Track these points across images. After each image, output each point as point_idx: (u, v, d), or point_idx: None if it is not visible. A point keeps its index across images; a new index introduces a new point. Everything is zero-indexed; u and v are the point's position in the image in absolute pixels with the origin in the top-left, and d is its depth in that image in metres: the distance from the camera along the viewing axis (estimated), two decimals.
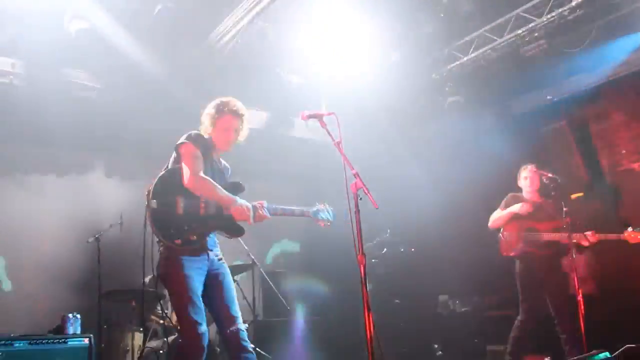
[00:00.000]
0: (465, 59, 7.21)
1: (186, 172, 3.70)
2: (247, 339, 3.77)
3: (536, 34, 6.47)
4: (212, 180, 3.76)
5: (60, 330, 5.66)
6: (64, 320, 5.45)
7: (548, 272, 5.69)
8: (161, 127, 6.03)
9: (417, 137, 8.46)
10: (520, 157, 6.68)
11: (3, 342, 4.66)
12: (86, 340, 5.03)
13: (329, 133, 3.51)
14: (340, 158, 3.42)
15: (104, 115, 6.91)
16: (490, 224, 5.97)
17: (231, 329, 3.73)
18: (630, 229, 5.31)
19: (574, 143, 7.27)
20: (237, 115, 4.01)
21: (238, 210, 3.75)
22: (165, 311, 6.21)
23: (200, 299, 3.67)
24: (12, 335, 4.82)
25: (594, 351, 3.41)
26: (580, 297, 4.91)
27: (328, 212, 4.23)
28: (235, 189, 3.94)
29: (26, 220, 7.32)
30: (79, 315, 5.38)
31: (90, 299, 6.54)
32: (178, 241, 3.63)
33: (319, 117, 3.57)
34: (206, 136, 3.98)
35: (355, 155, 3.51)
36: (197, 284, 3.68)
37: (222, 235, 3.95)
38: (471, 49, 7.12)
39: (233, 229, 3.89)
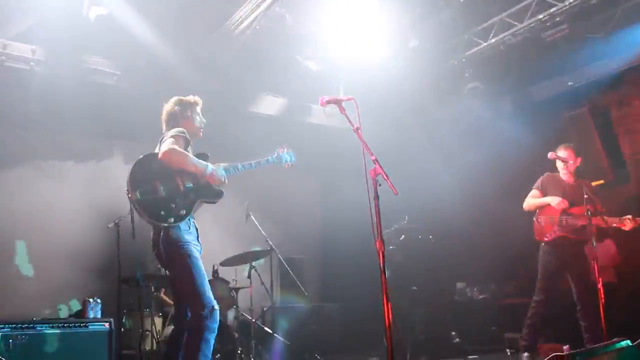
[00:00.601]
0: (485, 44, 7.10)
1: (163, 148, 3.85)
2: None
3: (557, 19, 6.35)
4: (183, 151, 3.88)
5: (81, 314, 5.74)
6: (85, 304, 5.53)
7: (574, 257, 5.61)
8: None
9: (435, 123, 8.39)
10: (540, 144, 6.61)
11: (26, 325, 4.73)
12: (106, 325, 5.08)
13: (348, 119, 3.49)
14: (358, 144, 3.41)
15: (123, 101, 6.94)
16: (525, 206, 5.84)
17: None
18: None
19: (595, 130, 7.17)
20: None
21: (212, 176, 3.95)
22: (155, 292, 6.29)
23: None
24: (34, 319, 4.89)
25: (615, 339, 3.37)
26: (600, 285, 4.88)
27: (289, 154, 4.52)
28: (203, 158, 4.07)
29: (46, 206, 7.40)
30: (99, 300, 5.45)
31: (110, 284, 6.62)
32: (171, 220, 3.79)
33: (338, 102, 3.55)
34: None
35: (373, 141, 3.48)
36: (200, 262, 3.89)
37: (206, 202, 4.09)
38: (491, 35, 7.02)
39: (213, 194, 4.08)
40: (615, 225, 5.39)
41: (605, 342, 3.53)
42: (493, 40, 6.98)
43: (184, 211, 3.87)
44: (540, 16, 6.41)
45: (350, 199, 6.20)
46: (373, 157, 3.35)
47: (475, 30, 7.16)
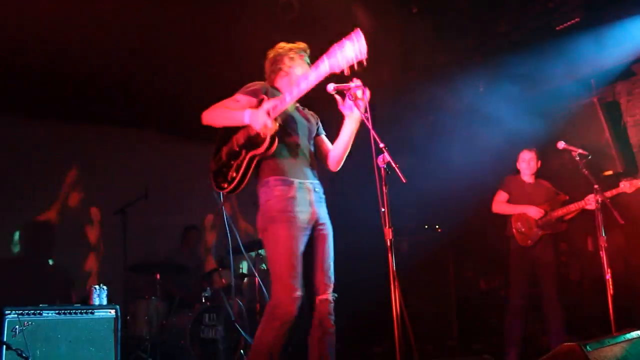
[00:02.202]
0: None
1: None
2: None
3: (569, 7, 6.28)
4: (217, 104, 3.50)
5: (86, 301, 5.75)
6: (91, 291, 5.54)
7: (542, 250, 5.73)
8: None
9: (444, 112, 8.32)
10: (548, 134, 6.55)
11: (32, 311, 4.75)
12: (112, 312, 5.09)
13: (357, 106, 3.45)
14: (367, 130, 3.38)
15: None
16: (495, 209, 6.10)
17: (322, 297, 3.52)
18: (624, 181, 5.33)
19: (604, 119, 7.11)
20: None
21: (253, 119, 3.29)
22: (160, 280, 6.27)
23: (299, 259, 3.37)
24: (40, 305, 4.90)
25: (625, 329, 3.35)
26: (609, 277, 4.84)
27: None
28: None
29: None
30: (105, 287, 5.46)
31: (117, 271, 6.65)
32: (224, 184, 3.49)
33: (346, 89, 3.49)
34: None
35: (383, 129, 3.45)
36: (297, 243, 3.37)
37: (260, 157, 3.43)
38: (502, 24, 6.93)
39: (259, 144, 3.36)
40: (580, 206, 5.55)
41: (615, 333, 3.51)
42: (502, 29, 6.90)
43: (235, 173, 3.43)
44: (551, 4, 6.33)
45: (358, 186, 6.19)
46: (382, 145, 3.31)
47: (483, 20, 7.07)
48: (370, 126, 3.36)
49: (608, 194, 5.36)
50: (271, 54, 3.78)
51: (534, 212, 5.78)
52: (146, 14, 5.56)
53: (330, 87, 3.49)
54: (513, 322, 5.75)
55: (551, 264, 5.70)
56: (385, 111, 7.15)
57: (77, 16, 5.44)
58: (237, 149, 3.48)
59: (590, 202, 5.42)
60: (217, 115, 3.47)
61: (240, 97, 3.53)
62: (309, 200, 3.51)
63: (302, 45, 3.78)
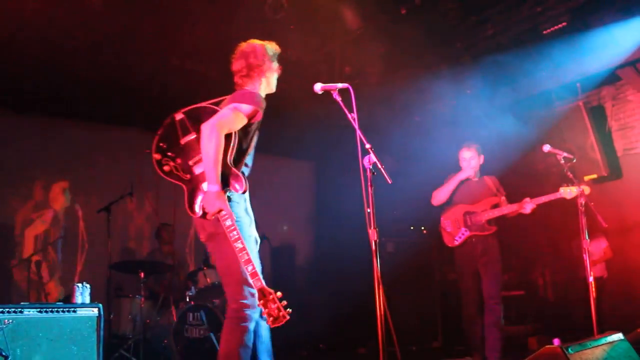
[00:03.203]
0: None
1: (218, 115, 3.27)
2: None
3: (555, 11, 6.31)
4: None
5: (69, 299, 5.69)
6: (73, 289, 5.48)
7: (483, 254, 5.55)
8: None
9: (428, 115, 8.35)
10: (533, 136, 6.59)
11: (13, 309, 4.69)
12: (95, 310, 5.04)
13: (342, 107, 3.45)
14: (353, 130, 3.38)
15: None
16: (435, 202, 5.87)
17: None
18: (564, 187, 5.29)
19: (589, 124, 7.17)
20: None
21: (208, 201, 3.16)
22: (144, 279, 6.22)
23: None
24: (21, 303, 4.84)
25: (607, 332, 3.38)
26: (591, 280, 4.87)
27: None
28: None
29: None
30: (88, 285, 5.40)
31: (100, 269, 6.60)
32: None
33: (333, 90, 3.49)
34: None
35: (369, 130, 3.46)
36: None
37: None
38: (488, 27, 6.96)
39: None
40: (515, 210, 5.46)
41: (598, 335, 3.54)
42: (490, 32, 6.92)
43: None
44: (538, 8, 6.36)
45: (344, 186, 6.19)
46: (368, 146, 3.32)
47: (471, 22, 7.09)
48: (356, 127, 3.37)
49: (544, 198, 5.39)
50: (258, 49, 3.58)
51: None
52: (130, 9, 5.53)
53: (317, 87, 3.49)
54: (470, 330, 5.58)
55: (495, 262, 5.51)
56: (372, 112, 7.16)
57: (62, 12, 5.39)
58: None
59: (527, 206, 5.41)
60: (215, 148, 3.18)
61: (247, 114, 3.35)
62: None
63: (278, 49, 3.68)
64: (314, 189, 9.65)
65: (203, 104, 3.49)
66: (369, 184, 3.27)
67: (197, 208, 3.29)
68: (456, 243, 5.65)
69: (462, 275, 5.72)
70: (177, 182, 3.38)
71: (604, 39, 6.52)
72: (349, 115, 3.41)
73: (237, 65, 3.59)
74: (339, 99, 3.45)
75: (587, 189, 5.19)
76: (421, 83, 7.34)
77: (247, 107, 3.33)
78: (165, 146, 3.40)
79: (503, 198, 5.65)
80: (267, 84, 3.62)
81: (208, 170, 3.16)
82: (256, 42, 3.64)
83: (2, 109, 7.06)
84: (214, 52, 6.05)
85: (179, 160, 3.38)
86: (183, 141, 3.40)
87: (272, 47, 3.64)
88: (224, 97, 3.55)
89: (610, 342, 3.26)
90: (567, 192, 5.25)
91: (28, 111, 7.20)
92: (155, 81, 6.80)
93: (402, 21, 6.29)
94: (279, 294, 2.99)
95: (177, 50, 6.33)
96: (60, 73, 6.42)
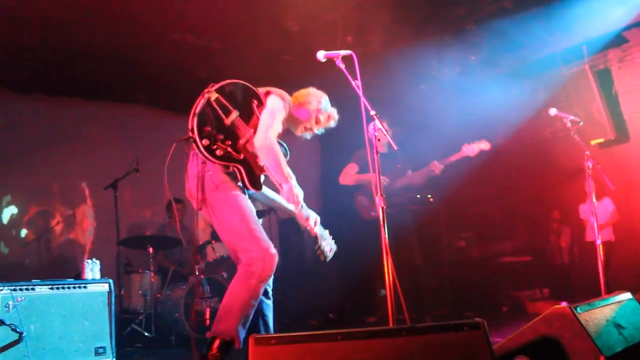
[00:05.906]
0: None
1: (264, 127, 3.39)
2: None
3: None
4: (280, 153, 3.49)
5: (80, 276, 5.74)
6: (83, 265, 5.52)
7: (401, 224, 5.57)
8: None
9: (434, 81, 8.27)
10: (539, 101, 6.53)
11: (25, 286, 4.73)
12: (106, 286, 5.08)
13: (346, 74, 3.41)
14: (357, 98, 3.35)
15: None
16: (342, 180, 5.96)
17: None
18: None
19: (595, 87, 7.09)
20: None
21: (289, 196, 3.57)
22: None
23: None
24: (33, 280, 4.88)
25: (615, 292, 3.39)
26: (599, 242, 4.87)
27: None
28: None
29: None
30: (98, 261, 5.44)
31: (109, 245, 6.64)
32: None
33: (336, 57, 3.46)
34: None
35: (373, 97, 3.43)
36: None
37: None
38: None
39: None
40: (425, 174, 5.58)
41: (605, 295, 3.55)
42: None
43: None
44: None
45: (350, 154, 6.17)
46: (373, 113, 3.30)
47: None
48: (360, 94, 3.34)
49: (452, 158, 5.36)
50: (312, 101, 3.80)
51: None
52: None
53: (321, 54, 3.46)
54: None
55: (411, 230, 5.51)
56: (375, 80, 7.09)
57: None
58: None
59: (434, 168, 5.45)
60: (274, 156, 3.42)
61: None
62: None
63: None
64: (319, 157, 9.63)
65: (232, 81, 3.47)
66: (375, 150, 3.25)
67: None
68: (374, 215, 5.65)
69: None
70: (230, 163, 3.39)
71: (610, 0, 6.42)
72: (352, 83, 3.38)
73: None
74: (342, 66, 3.42)
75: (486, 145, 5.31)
76: (424, 51, 7.27)
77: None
78: (210, 129, 3.32)
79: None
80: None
81: (277, 176, 3.45)
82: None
83: (2, 88, 7.03)
84: (215, 25, 6.00)
85: (228, 142, 3.37)
86: (228, 121, 3.37)
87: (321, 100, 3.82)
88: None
89: (618, 302, 3.27)
90: (470, 149, 5.24)
91: (29, 90, 7.17)
92: (155, 56, 6.73)
93: None
94: None
95: (179, 25, 6.26)
96: (60, 49, 6.37)
